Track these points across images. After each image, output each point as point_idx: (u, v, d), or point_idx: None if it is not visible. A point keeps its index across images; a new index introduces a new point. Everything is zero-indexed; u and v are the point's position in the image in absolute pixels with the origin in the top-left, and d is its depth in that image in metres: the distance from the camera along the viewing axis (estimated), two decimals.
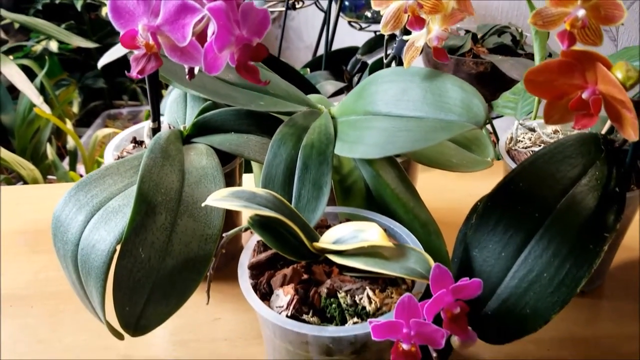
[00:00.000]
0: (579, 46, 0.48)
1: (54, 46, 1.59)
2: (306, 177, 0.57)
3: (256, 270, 0.51)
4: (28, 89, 1.36)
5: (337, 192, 0.60)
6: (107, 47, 0.75)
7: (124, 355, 0.63)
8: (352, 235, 0.50)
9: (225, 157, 0.65)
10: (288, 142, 0.59)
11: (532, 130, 0.69)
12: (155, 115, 0.63)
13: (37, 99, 1.33)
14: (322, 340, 0.47)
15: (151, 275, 0.51)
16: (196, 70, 0.48)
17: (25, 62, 1.55)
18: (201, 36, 0.44)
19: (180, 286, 0.52)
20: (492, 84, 1.33)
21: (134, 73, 0.42)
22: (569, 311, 0.66)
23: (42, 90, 1.48)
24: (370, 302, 0.47)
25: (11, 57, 1.52)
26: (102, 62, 0.78)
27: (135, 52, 0.42)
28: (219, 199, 0.49)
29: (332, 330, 0.45)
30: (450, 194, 0.83)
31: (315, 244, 0.50)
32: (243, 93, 0.66)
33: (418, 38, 0.54)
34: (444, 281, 0.43)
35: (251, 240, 0.54)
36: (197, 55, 0.42)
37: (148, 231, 0.52)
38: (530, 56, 1.39)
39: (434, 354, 0.44)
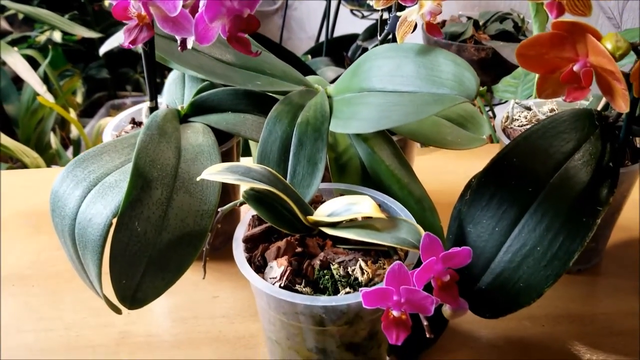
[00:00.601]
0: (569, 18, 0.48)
1: (57, 36, 1.60)
2: (301, 154, 0.57)
3: (250, 243, 0.52)
4: (31, 78, 1.37)
5: (333, 169, 0.61)
6: (110, 37, 0.76)
7: (123, 332, 0.63)
8: (345, 208, 0.51)
9: (222, 137, 0.66)
10: (283, 119, 0.59)
11: (528, 109, 0.70)
12: (153, 95, 0.63)
13: (41, 88, 1.34)
14: (315, 311, 0.47)
15: (147, 249, 0.52)
16: (189, 44, 0.49)
17: (29, 52, 1.57)
18: (194, 8, 0.44)
19: (176, 260, 0.53)
20: (493, 70, 1.33)
21: (126, 43, 0.42)
22: (565, 288, 0.66)
23: (45, 80, 1.49)
24: (362, 273, 0.48)
25: (16, 48, 1.53)
26: (104, 49, 0.78)
27: (128, 23, 0.42)
28: (214, 173, 0.50)
29: (324, 300, 0.46)
30: (448, 175, 0.83)
31: (309, 217, 0.51)
32: (240, 73, 0.66)
33: (410, 13, 0.54)
34: (434, 249, 0.44)
35: (247, 215, 0.55)
36: (188, 26, 0.43)
37: (144, 205, 0.52)
38: None
39: (425, 322, 0.44)
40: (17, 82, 1.63)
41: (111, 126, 0.70)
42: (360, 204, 0.50)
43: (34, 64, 1.53)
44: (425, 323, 0.44)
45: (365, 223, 0.52)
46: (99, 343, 0.62)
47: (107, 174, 0.56)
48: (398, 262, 0.43)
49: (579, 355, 0.60)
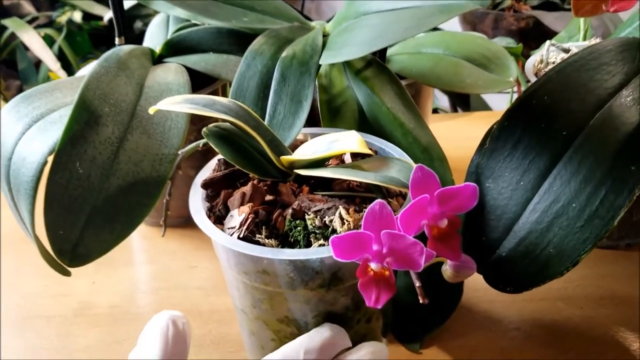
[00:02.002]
0: None
1: (77, 17, 1.56)
2: (283, 90, 0.48)
3: (211, 189, 0.43)
4: (46, 55, 1.32)
5: (324, 113, 0.51)
6: (131, 19, 0.68)
7: (83, 302, 0.55)
8: (327, 147, 0.41)
9: (202, 81, 0.57)
10: (265, 52, 0.50)
11: (566, 51, 0.58)
12: (120, 30, 0.55)
13: (54, 65, 1.30)
14: (281, 268, 0.37)
15: (91, 195, 0.43)
16: None
17: (49, 31, 1.53)
18: None
19: (127, 211, 0.44)
20: (534, 40, 1.21)
21: None
22: (610, 266, 0.55)
23: (63, 59, 1.45)
24: (342, 223, 0.38)
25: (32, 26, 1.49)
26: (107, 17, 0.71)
27: None
28: (171, 103, 0.41)
29: (290, 253, 0.36)
30: (470, 141, 0.72)
31: (283, 157, 0.41)
32: (225, 8, 0.57)
33: None
34: (427, 186, 0.34)
35: (212, 161, 0.46)
36: None
37: (89, 144, 0.44)
38: None
39: (417, 283, 0.34)
40: (38, 65, 1.59)
41: (83, 72, 0.62)
42: (344, 140, 0.40)
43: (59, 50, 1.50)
44: (417, 284, 0.34)
45: (351, 165, 0.42)
46: (55, 314, 0.54)
47: (53, 110, 0.48)
48: (379, 200, 0.33)
49: (625, 343, 0.48)
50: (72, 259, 0.43)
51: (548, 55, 0.58)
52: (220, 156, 0.45)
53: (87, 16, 1.65)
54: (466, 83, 0.53)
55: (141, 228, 0.65)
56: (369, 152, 0.39)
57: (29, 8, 1.73)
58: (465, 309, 0.52)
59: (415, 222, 0.33)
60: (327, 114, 0.51)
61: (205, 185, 0.42)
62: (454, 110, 1.04)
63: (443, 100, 1.09)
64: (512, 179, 0.47)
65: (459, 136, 0.77)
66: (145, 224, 0.65)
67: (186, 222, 0.63)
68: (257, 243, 0.38)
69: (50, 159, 0.43)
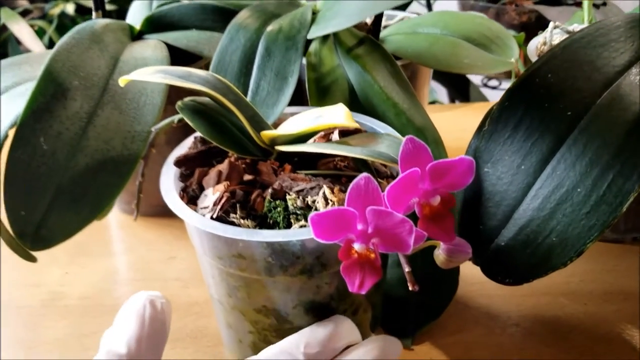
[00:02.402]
0: None
1: (70, 8, 1.53)
2: (268, 66, 0.45)
3: (185, 167, 0.39)
4: (36, 47, 1.29)
5: (312, 92, 0.48)
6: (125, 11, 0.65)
7: (53, 292, 0.52)
8: (312, 122, 0.37)
9: (184, 59, 0.54)
10: (250, 25, 0.47)
11: (570, 33, 0.55)
12: (97, 4, 0.52)
13: None
14: (258, 252, 0.34)
15: (56, 174, 0.40)
16: None
17: (40, 23, 1.50)
18: None
19: (94, 191, 0.41)
20: (536, 35, 1.18)
21: None
22: (617, 260, 0.52)
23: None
24: (326, 203, 0.35)
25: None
26: None
27: None
28: (144, 73, 0.38)
29: (267, 235, 0.33)
30: (470, 133, 0.69)
31: (264, 133, 0.38)
32: None
33: None
34: (419, 160, 0.30)
35: (188, 139, 0.42)
36: None
37: (54, 118, 0.41)
38: (580, 5, 1.23)
39: (406, 268, 0.31)
40: None
41: None
42: (329, 114, 0.37)
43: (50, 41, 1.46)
44: (406, 269, 0.31)
45: (338, 141, 0.39)
46: (24, 304, 0.51)
47: (19, 83, 0.45)
48: (365, 174, 0.30)
49: (632, 341, 0.45)
50: (34, 242, 0.40)
51: (552, 37, 0.55)
52: (197, 134, 0.42)
53: (80, 9, 1.61)
54: (464, 63, 0.50)
55: (119, 216, 0.62)
56: (357, 126, 0.35)
57: (22, 1, 1.70)
58: (461, 303, 0.49)
59: (405, 199, 0.30)
60: (316, 93, 0.47)
61: (179, 162, 0.39)
62: (452, 102, 1.01)
63: (441, 94, 1.05)
64: (512, 163, 0.43)
65: (457, 127, 0.74)
66: (123, 212, 0.62)
67: (165, 211, 0.59)
68: (232, 224, 0.34)
69: (12, 133, 0.40)
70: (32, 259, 0.42)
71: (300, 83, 0.50)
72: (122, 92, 0.44)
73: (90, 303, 0.50)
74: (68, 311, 0.50)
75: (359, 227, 0.30)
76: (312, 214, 0.29)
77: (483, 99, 1.00)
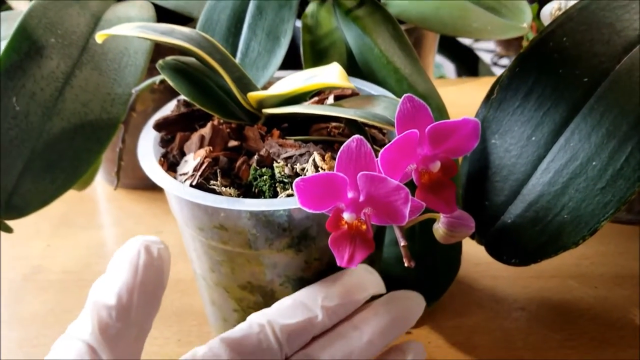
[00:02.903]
0: None
1: None
2: (259, 25, 0.41)
3: (166, 131, 0.36)
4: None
5: (307, 56, 0.44)
6: None
7: (36, 266, 0.49)
8: (303, 82, 0.34)
9: (173, 22, 0.50)
10: None
11: None
12: None
13: None
14: (242, 223, 0.31)
15: (30, 138, 0.37)
16: None
17: None
18: None
19: (71, 157, 0.38)
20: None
21: None
22: (629, 243, 0.49)
23: None
24: (316, 171, 0.32)
25: None
26: None
27: None
28: (124, 29, 0.35)
29: (250, 203, 0.30)
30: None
31: (251, 94, 0.35)
32: None
33: None
34: (417, 121, 0.27)
35: (171, 102, 0.39)
36: None
37: (28, 77, 0.38)
38: None
39: (402, 242, 0.28)
40: None
41: None
42: (322, 74, 0.34)
43: None
44: (401, 242, 0.28)
45: (332, 104, 0.35)
46: (4, 277, 0.48)
47: None
48: (357, 136, 0.26)
49: None
50: (6, 210, 0.37)
51: (567, 2, 0.51)
52: (182, 97, 0.38)
53: None
54: (473, 28, 0.47)
55: (105, 188, 0.59)
56: (352, 86, 0.32)
57: None
58: (464, 284, 0.46)
59: (401, 164, 0.27)
60: (311, 57, 0.44)
61: (158, 126, 0.36)
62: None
63: (448, 71, 1.02)
64: (522, 134, 0.40)
65: (463, 102, 0.70)
66: (110, 184, 0.59)
67: (154, 184, 0.56)
68: (214, 192, 0.32)
69: None
70: (8, 230, 0.40)
71: (294, 47, 0.47)
72: (103, 52, 0.41)
73: (72, 277, 0.48)
74: (49, 285, 0.47)
75: (350, 195, 0.27)
76: (298, 179, 0.26)
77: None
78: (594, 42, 0.39)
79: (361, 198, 0.26)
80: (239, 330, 0.30)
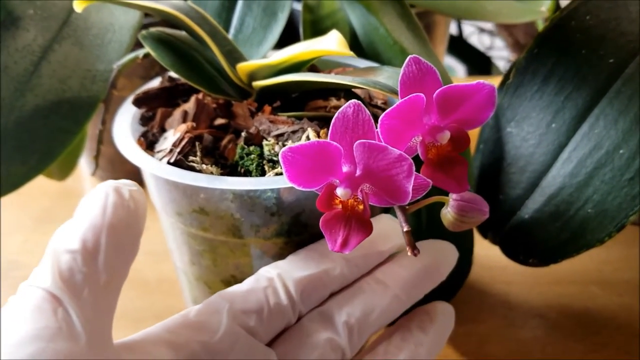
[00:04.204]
0: None
1: None
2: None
3: (146, 106, 0.33)
4: None
5: (307, 36, 0.41)
6: None
7: (11, 262, 0.46)
8: (300, 50, 0.31)
9: None
10: None
11: None
12: None
13: None
14: (224, 206, 0.27)
15: (0, 115, 0.34)
16: None
17: None
18: None
19: (45, 137, 0.35)
20: None
21: None
22: None
23: None
24: None
25: None
26: None
27: None
28: None
29: (233, 182, 0.26)
30: None
31: (240, 65, 0.31)
32: None
33: None
34: (424, 85, 0.23)
35: (157, 79, 0.36)
36: None
37: (1, 49, 0.34)
38: None
39: (404, 227, 0.24)
40: None
41: None
42: (322, 41, 0.30)
43: None
44: (404, 228, 0.24)
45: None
46: None
47: None
48: (354, 101, 0.23)
49: None
50: None
51: None
52: (171, 73, 0.35)
53: None
54: (488, 11, 0.43)
55: (94, 183, 0.56)
56: (351, 54, 0.28)
57: None
58: (475, 289, 0.42)
59: (405, 135, 0.23)
60: (312, 37, 0.41)
61: (138, 101, 0.32)
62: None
63: (461, 74, 0.98)
64: (541, 121, 0.37)
65: None
66: (96, 177, 0.56)
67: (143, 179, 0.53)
68: (191, 169, 0.28)
69: None
70: None
71: (293, 29, 0.44)
72: (86, 27, 0.38)
73: None
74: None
75: (345, 168, 0.23)
76: (285, 148, 0.23)
77: None
78: (621, 20, 0.36)
79: (358, 172, 0.23)
80: (244, 284, 0.27)
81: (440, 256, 0.30)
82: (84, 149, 0.46)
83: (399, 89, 0.24)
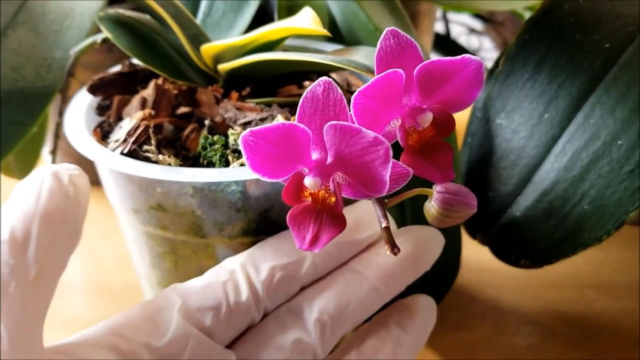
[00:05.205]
0: None
1: None
2: None
3: (102, 94, 0.30)
4: None
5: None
6: None
7: None
8: (270, 28, 0.28)
9: None
10: None
11: None
12: None
13: None
14: (183, 202, 0.25)
15: None
16: None
17: None
18: None
19: None
20: None
21: None
22: None
23: None
24: None
25: None
26: None
27: None
28: None
29: (192, 174, 0.24)
30: None
31: (205, 47, 0.28)
32: None
33: None
34: (403, 61, 0.21)
35: (118, 66, 0.33)
36: None
37: None
38: None
39: (382, 223, 0.21)
40: None
41: None
42: (294, 19, 0.28)
43: None
44: (383, 223, 0.21)
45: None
46: None
47: None
48: (325, 78, 0.20)
49: None
50: None
51: None
52: (134, 60, 0.32)
53: None
54: None
55: None
56: (327, 34, 0.26)
57: None
58: (463, 294, 0.39)
59: (382, 117, 0.21)
60: None
61: (93, 87, 0.30)
62: None
63: None
64: (532, 112, 0.34)
65: None
66: None
67: None
68: (146, 160, 0.25)
69: None
70: None
71: (269, 17, 0.41)
72: (43, 13, 0.35)
73: None
74: None
75: (314, 155, 0.20)
76: (245, 132, 0.20)
77: None
78: (616, 2, 0.33)
79: (329, 159, 0.20)
80: (202, 277, 0.24)
81: (425, 243, 0.27)
82: (44, 143, 0.43)
83: (375, 66, 0.21)
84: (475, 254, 0.37)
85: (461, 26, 1.04)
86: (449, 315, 0.38)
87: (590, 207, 0.31)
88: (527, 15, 0.70)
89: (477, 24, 0.99)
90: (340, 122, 0.19)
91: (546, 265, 0.32)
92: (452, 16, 0.89)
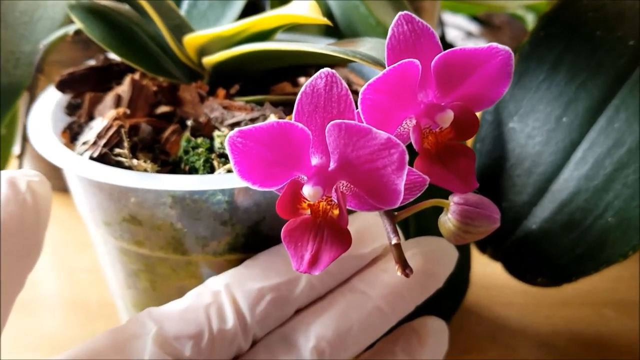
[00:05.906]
0: None
1: None
2: None
3: (72, 91, 0.27)
4: None
5: None
6: None
7: None
8: (261, 16, 0.25)
9: None
10: None
11: None
12: None
13: None
14: (160, 213, 0.21)
15: None
16: None
17: None
18: None
19: None
20: None
21: None
22: None
23: None
24: None
25: None
26: None
27: None
28: None
29: (172, 182, 0.20)
30: None
31: (188, 38, 0.25)
32: None
33: None
34: (419, 50, 0.18)
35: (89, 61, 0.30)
36: None
37: None
38: None
39: (392, 240, 0.18)
40: None
41: None
42: (289, 6, 0.24)
43: None
44: (393, 240, 0.18)
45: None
46: None
47: None
48: (326, 70, 0.17)
49: None
50: None
51: None
52: (110, 54, 0.29)
53: None
54: None
55: None
56: (327, 22, 0.23)
57: None
58: (473, 313, 0.36)
59: (394, 115, 0.18)
60: None
61: (62, 83, 0.26)
62: None
63: None
64: (549, 115, 0.31)
65: None
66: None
67: None
68: (119, 166, 0.22)
69: None
70: None
71: (261, 10, 0.38)
72: (12, 4, 0.32)
73: None
74: None
75: (314, 160, 0.17)
76: (233, 132, 0.17)
77: None
78: None
79: (332, 165, 0.17)
80: (182, 300, 0.21)
81: (436, 257, 0.24)
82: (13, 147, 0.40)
83: (385, 56, 0.18)
84: (483, 270, 0.35)
85: (458, 30, 1.01)
86: (457, 336, 0.35)
87: (615, 219, 0.28)
88: (529, 17, 0.67)
89: (474, 28, 0.97)
90: (346, 121, 0.16)
91: (566, 283, 0.29)
92: (449, 19, 0.87)
